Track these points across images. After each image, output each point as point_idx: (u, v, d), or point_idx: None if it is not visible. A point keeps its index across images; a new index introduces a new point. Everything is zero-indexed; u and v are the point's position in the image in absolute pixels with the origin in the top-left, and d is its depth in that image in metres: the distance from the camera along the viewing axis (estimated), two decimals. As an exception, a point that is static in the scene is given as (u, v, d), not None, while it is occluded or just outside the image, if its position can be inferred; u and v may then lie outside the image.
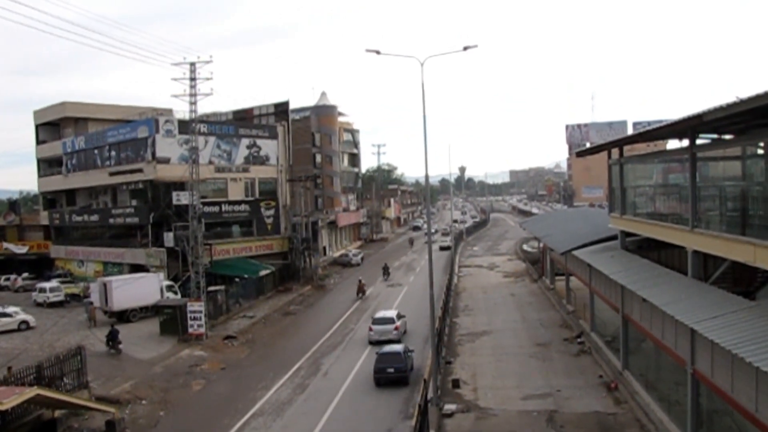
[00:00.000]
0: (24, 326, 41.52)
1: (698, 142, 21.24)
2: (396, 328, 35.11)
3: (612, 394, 24.51)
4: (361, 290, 51.70)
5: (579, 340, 32.70)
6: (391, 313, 36.97)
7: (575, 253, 33.34)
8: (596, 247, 32.12)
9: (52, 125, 68.72)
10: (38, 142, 70.71)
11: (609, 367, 27.53)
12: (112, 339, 35.32)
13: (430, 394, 23.17)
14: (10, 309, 43.52)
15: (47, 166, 69.73)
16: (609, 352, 28.96)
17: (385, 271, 61.10)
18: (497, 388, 26.06)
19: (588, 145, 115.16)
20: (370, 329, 35.71)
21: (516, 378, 27.34)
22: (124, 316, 42.94)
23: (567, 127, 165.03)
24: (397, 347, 29.48)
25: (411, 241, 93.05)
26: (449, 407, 23.69)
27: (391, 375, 27.49)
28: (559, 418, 22.37)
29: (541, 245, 53.78)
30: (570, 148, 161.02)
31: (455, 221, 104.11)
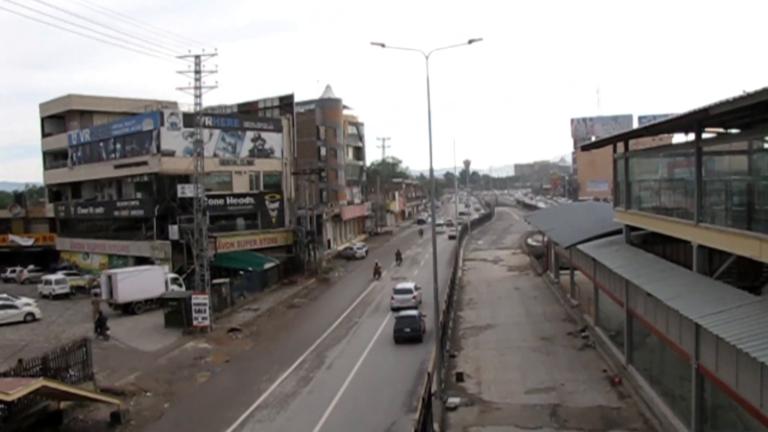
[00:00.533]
0: (30, 318, 41.70)
1: (704, 136, 21.16)
2: (414, 297, 41.46)
3: (616, 388, 24.51)
4: (377, 272, 57.04)
5: (583, 334, 32.70)
6: (410, 285, 43.68)
7: (580, 247, 33.29)
8: (601, 242, 32.06)
9: (57, 118, 68.83)
10: (44, 134, 70.84)
11: (613, 361, 27.52)
12: (101, 326, 36.47)
13: (433, 388, 23.20)
14: (22, 300, 43.81)
15: (53, 158, 69.87)
16: (613, 347, 28.94)
17: (398, 257, 66.43)
18: (501, 382, 26.08)
19: (593, 138, 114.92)
20: (392, 298, 42.23)
21: (520, 372, 27.35)
22: (129, 309, 43.14)
23: (572, 120, 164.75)
24: (413, 312, 35.66)
25: (421, 232, 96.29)
26: (453, 400, 23.73)
27: (408, 334, 33.35)
28: (562, 412, 22.38)
29: (546, 239, 53.74)
30: (575, 142, 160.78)
31: (462, 214, 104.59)
